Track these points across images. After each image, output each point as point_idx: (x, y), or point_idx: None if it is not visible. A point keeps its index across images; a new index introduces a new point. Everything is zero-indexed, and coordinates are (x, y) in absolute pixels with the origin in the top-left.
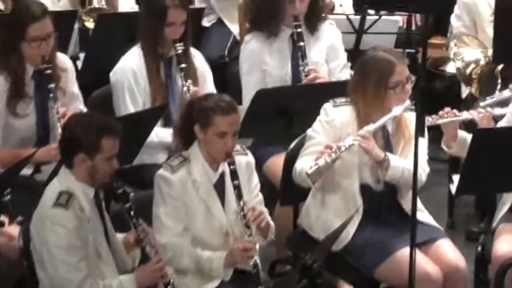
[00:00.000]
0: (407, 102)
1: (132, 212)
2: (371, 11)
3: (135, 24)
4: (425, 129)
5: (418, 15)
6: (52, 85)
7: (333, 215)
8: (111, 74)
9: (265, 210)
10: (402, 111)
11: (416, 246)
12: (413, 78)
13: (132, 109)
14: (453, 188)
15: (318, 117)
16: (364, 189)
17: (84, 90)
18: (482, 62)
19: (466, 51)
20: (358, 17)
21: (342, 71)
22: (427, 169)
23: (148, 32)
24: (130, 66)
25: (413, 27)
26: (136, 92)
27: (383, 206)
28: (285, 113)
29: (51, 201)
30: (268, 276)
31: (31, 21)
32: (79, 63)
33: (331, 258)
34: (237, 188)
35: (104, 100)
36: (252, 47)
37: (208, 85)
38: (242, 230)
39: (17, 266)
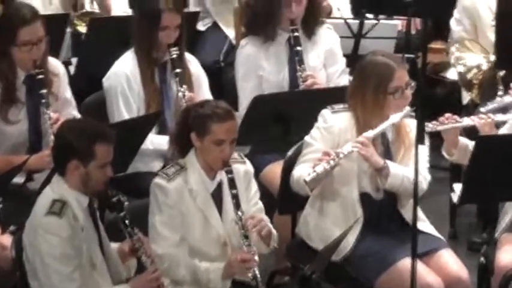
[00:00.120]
0: (407, 109)
1: (127, 221)
2: (369, 15)
3: (128, 28)
4: (426, 136)
5: (417, 19)
6: (44, 90)
7: (332, 224)
8: (104, 79)
9: (266, 218)
10: (402, 118)
11: (417, 257)
12: (413, 83)
13: (126, 115)
14: (455, 197)
15: (316, 124)
16: (364, 197)
17: (76, 96)
18: (484, 67)
19: (469, 56)
20: (357, 21)
21: (340, 77)
22: (428, 177)
23: (142, 36)
24: (124, 71)
25: (413, 31)
26: (130, 97)
27: (383, 215)
28: (283, 120)
29: (44, 210)
30: None
31: (21, 25)
32: (71, 68)
33: (330, 268)
34: (235, 197)
35: (97, 106)
36: (248, 51)
37: (203, 90)
38: (240, 240)
39: (9, 276)
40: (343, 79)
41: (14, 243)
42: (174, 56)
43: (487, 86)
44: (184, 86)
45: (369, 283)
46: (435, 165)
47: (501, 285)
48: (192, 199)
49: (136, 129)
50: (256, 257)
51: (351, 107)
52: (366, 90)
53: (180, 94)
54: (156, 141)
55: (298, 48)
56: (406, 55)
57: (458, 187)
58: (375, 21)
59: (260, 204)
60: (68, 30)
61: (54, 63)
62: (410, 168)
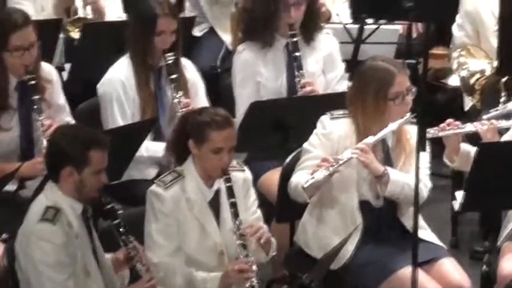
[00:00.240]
0: (408, 115)
1: (121, 229)
2: (369, 20)
3: (123, 33)
4: (427, 143)
5: (419, 23)
6: (36, 97)
7: (331, 232)
8: (98, 85)
9: (265, 226)
10: (402, 124)
11: (418, 266)
12: (414, 89)
13: (120, 122)
14: (456, 205)
15: (315, 130)
16: (363, 205)
17: (70, 102)
18: (487, 73)
19: (472, 61)
20: (356, 26)
21: (340, 83)
22: (429, 184)
23: (137, 42)
24: (119, 77)
25: (415, 34)
26: (125, 104)
27: (383, 223)
28: (281, 127)
29: (37, 217)
30: None
31: (13, 30)
32: (65, 74)
33: (329, 277)
34: (234, 206)
35: (91, 113)
36: (245, 57)
37: (200, 97)
38: (238, 250)
39: (1, 285)
40: (343, 85)
41: (6, 251)
42: (170, 61)
43: (490, 91)
44: (180, 92)
45: None
46: (436, 173)
47: None
48: (189, 207)
49: (131, 136)
50: (254, 267)
51: (351, 113)
52: (366, 95)
53: (175, 100)
54: (152, 148)
55: (297, 53)
56: (407, 61)
57: (460, 195)
58: (375, 26)
59: (259, 212)
60: (61, 35)
61: (47, 69)
62: (411, 176)
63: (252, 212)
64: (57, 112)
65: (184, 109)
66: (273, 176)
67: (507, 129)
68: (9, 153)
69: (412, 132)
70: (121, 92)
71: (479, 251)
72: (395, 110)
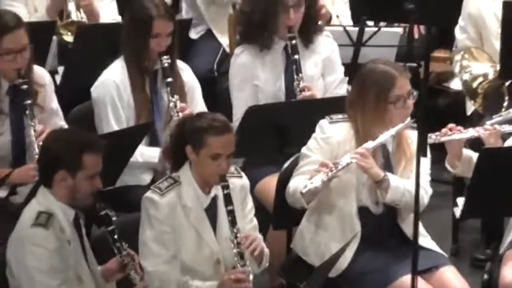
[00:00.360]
0: (409, 119)
1: (115, 236)
2: (370, 23)
3: (117, 35)
4: (428, 149)
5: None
6: (28, 101)
7: (329, 238)
8: (92, 88)
9: (260, 237)
10: (403, 129)
11: (418, 274)
12: (415, 93)
13: (115, 126)
14: (457, 212)
15: (314, 135)
16: (362, 211)
17: (63, 106)
18: (490, 77)
19: (475, 64)
20: (356, 28)
21: (339, 86)
22: (430, 191)
23: (132, 44)
24: (113, 80)
25: (417, 35)
26: (119, 108)
27: (382, 230)
28: (278, 131)
29: (29, 222)
30: None
31: (4, 33)
32: (58, 78)
33: (327, 285)
34: (231, 214)
35: (84, 117)
36: (243, 60)
37: (197, 100)
38: (235, 259)
39: None
40: (342, 89)
41: None
42: (166, 64)
43: (493, 96)
44: (175, 96)
45: None
46: (437, 179)
47: None
48: (185, 215)
49: (125, 141)
50: (250, 277)
51: (350, 117)
52: (366, 99)
53: (171, 104)
54: (147, 153)
55: (296, 56)
56: (408, 64)
57: (461, 201)
58: (375, 29)
59: (255, 221)
60: (55, 38)
61: (40, 72)
62: (411, 181)
63: (248, 221)
64: (50, 116)
65: (180, 113)
66: (270, 182)
67: (510, 134)
68: (1, 159)
69: (412, 137)
70: (115, 96)
71: (481, 259)
72: (396, 113)
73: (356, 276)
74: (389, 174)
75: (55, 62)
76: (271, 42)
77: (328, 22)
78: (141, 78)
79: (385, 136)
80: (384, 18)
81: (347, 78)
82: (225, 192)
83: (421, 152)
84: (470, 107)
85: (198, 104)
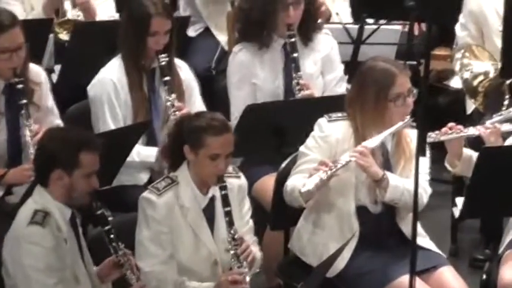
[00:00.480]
0: (408, 118)
1: (112, 235)
2: (370, 20)
3: (114, 33)
4: (427, 148)
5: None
6: (24, 101)
7: (327, 238)
8: (89, 87)
9: (255, 240)
10: (402, 127)
11: (416, 274)
12: (415, 91)
13: (112, 125)
14: (456, 212)
15: (312, 133)
16: (361, 211)
17: (59, 105)
18: (491, 75)
19: (476, 62)
20: (356, 26)
21: (338, 84)
22: (429, 190)
23: (129, 42)
24: (110, 79)
25: (417, 32)
26: (116, 106)
27: (381, 229)
28: (277, 130)
29: (26, 220)
30: None
31: None
32: (54, 76)
33: (324, 286)
34: (228, 215)
35: (81, 116)
36: (241, 58)
37: (195, 99)
38: (232, 260)
39: None
40: (341, 87)
41: None
42: (163, 63)
43: (493, 94)
44: (173, 95)
45: None
46: (437, 178)
47: None
48: (183, 215)
49: (122, 140)
50: (247, 279)
51: (350, 115)
52: (365, 96)
53: (168, 103)
54: (143, 153)
55: (295, 54)
56: (408, 62)
57: (460, 201)
58: (375, 27)
59: (251, 223)
60: (51, 35)
61: (36, 70)
62: (410, 181)
63: (245, 222)
64: (46, 115)
65: (177, 112)
66: (267, 182)
67: (510, 133)
68: None
69: (412, 136)
70: (112, 94)
71: (480, 259)
72: (396, 111)
73: (354, 276)
74: (388, 173)
75: (52, 61)
76: (270, 40)
77: (327, 20)
78: (138, 76)
79: (385, 134)
80: (384, 16)
81: (346, 77)
82: (223, 193)
83: (420, 151)
84: (471, 106)
85: (196, 103)
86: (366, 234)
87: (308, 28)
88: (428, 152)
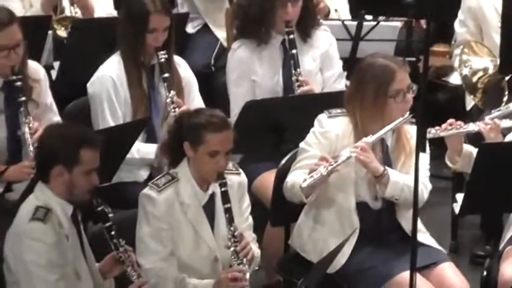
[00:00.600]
0: (408, 114)
1: (112, 232)
2: (368, 17)
3: (113, 30)
4: (427, 144)
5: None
6: (23, 98)
7: (327, 234)
8: (88, 84)
9: (254, 237)
10: (402, 123)
11: (417, 271)
12: (414, 87)
13: (111, 122)
14: (457, 208)
15: (312, 129)
16: (361, 206)
17: (58, 102)
18: (490, 71)
19: (475, 58)
20: (355, 22)
21: (337, 81)
22: (429, 186)
23: (128, 39)
24: (110, 76)
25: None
26: (116, 103)
27: (381, 225)
28: (276, 127)
29: (27, 217)
30: None
31: None
32: (53, 73)
33: (324, 282)
34: (228, 212)
35: (80, 113)
36: (240, 55)
37: (194, 96)
38: (232, 257)
39: None
40: (340, 83)
41: None
42: (162, 59)
43: (493, 90)
44: (172, 92)
45: None
46: (437, 175)
47: None
48: (183, 212)
49: (122, 137)
50: (247, 276)
51: (349, 111)
52: (365, 93)
53: (168, 100)
54: (143, 149)
55: (294, 51)
56: (407, 58)
57: (460, 197)
58: (374, 23)
59: (250, 220)
60: (50, 32)
61: (34, 67)
62: (411, 177)
63: (244, 219)
64: (45, 112)
65: (176, 109)
66: (267, 178)
67: (510, 129)
68: None
69: (412, 132)
70: (112, 92)
71: (480, 255)
72: (396, 108)
73: (354, 272)
74: (388, 169)
75: (50, 57)
76: (269, 36)
77: (326, 16)
78: (137, 73)
79: (385, 130)
80: (383, 12)
81: (345, 73)
82: (223, 189)
83: (420, 147)
84: (470, 102)
85: (195, 99)
86: (366, 230)
87: (306, 25)
88: (428, 148)
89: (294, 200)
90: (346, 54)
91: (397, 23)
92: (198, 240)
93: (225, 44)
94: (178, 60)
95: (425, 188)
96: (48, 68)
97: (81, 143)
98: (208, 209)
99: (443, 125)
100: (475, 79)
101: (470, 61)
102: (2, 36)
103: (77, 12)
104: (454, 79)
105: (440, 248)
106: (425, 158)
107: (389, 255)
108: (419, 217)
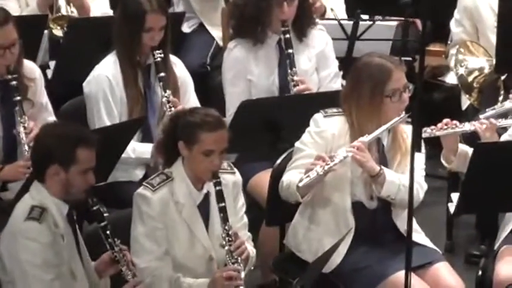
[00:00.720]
0: (404, 113)
1: (108, 231)
2: (364, 16)
3: (109, 30)
4: (422, 143)
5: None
6: (18, 98)
7: (322, 234)
8: (84, 83)
9: (249, 236)
10: (398, 123)
11: (412, 270)
12: (410, 86)
13: (107, 122)
14: (452, 207)
15: (308, 129)
16: (357, 206)
17: (54, 101)
18: (486, 71)
19: (471, 58)
20: (351, 22)
21: (333, 80)
22: (425, 186)
23: (124, 39)
24: (106, 75)
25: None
26: (112, 103)
27: (376, 225)
28: (272, 126)
29: (23, 216)
30: None
31: None
32: (49, 72)
33: (320, 282)
34: (223, 211)
35: (76, 112)
36: (236, 54)
37: (189, 95)
38: (226, 256)
39: None
40: (336, 83)
41: None
42: (158, 59)
43: (488, 90)
44: (168, 91)
45: None
46: (432, 174)
47: None
48: (178, 211)
49: (117, 136)
50: (242, 275)
51: (345, 111)
52: (361, 92)
53: (164, 99)
54: (139, 149)
55: (290, 50)
56: (403, 58)
57: (456, 197)
58: (370, 23)
59: (245, 219)
60: (46, 31)
61: (30, 66)
62: (407, 176)
63: (239, 218)
64: (40, 111)
65: (172, 108)
66: (263, 178)
67: (505, 129)
68: None
69: (407, 131)
70: (108, 91)
71: (475, 255)
72: (392, 107)
73: (349, 272)
74: (384, 169)
75: (46, 57)
76: (265, 36)
77: (322, 15)
78: (133, 73)
79: (381, 130)
80: (379, 12)
81: (341, 73)
82: (217, 188)
83: (415, 146)
84: (466, 101)
85: (190, 99)
86: (361, 230)
87: (302, 24)
88: (423, 148)
89: (290, 200)
90: (342, 53)
91: (393, 23)
92: (192, 240)
93: (220, 43)
94: (174, 59)
95: (421, 187)
96: (44, 67)
97: (78, 142)
98: (203, 208)
99: (439, 125)
100: (470, 79)
101: (466, 61)
102: None
103: (73, 12)
104: (450, 79)
105: (435, 247)
106: (420, 157)
107: (384, 254)
108: (414, 217)
